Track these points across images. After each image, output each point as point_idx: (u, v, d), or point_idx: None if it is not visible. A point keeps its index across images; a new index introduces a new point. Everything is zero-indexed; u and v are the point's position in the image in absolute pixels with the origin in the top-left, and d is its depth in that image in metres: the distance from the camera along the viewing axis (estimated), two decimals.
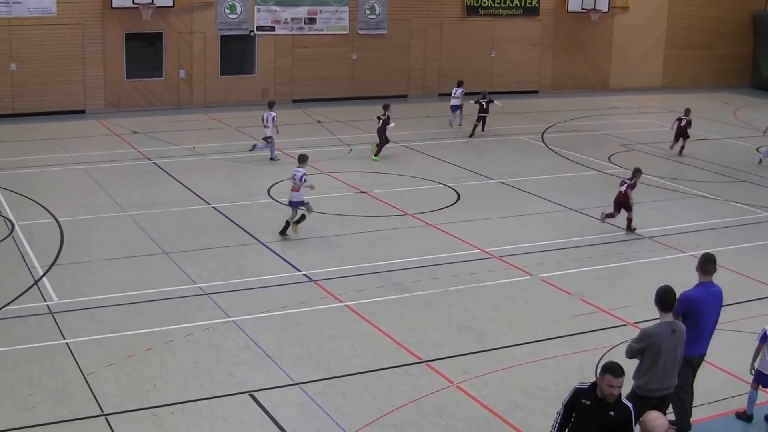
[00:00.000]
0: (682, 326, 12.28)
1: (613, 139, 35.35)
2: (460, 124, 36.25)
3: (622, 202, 22.95)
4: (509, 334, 16.95)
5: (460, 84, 36.88)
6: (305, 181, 21.84)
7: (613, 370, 10.18)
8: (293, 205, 22.04)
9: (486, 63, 45.39)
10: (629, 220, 23.16)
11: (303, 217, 22.17)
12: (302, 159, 22.51)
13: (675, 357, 12.17)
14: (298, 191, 21.81)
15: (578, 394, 10.48)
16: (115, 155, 30.03)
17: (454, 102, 36.43)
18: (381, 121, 30.87)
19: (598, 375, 10.45)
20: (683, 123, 32.60)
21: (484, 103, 34.74)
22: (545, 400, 14.22)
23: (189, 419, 13.49)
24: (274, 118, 29.80)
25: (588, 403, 10.36)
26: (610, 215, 23.17)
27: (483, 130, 35.06)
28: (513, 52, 45.90)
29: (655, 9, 49.08)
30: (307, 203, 22.14)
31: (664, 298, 12.16)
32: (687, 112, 32.81)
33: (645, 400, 12.02)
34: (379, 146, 30.81)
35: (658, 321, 12.23)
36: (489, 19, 45.03)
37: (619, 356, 12.81)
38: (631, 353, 12.32)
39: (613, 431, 10.33)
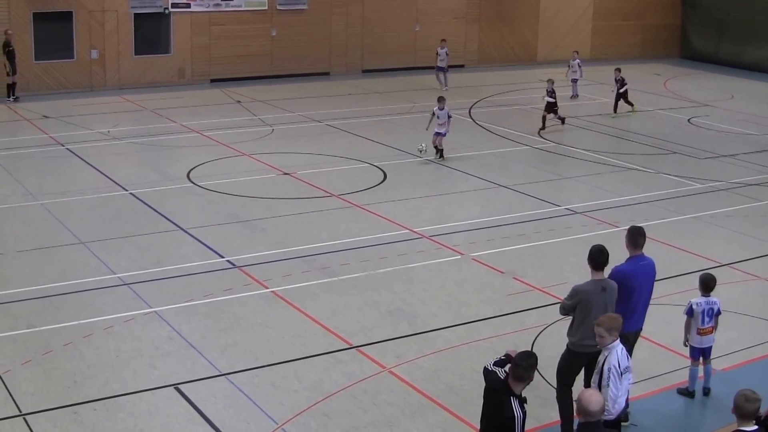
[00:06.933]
0: (613, 284, 12.50)
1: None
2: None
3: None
4: (441, 316, 16.91)
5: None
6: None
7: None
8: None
9: (410, 37, 45.07)
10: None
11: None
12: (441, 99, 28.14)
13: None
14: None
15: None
16: (26, 141, 29.28)
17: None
18: (619, 84, 35.78)
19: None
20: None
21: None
22: (480, 383, 13.89)
23: (112, 416, 13.22)
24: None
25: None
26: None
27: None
28: (438, 25, 45.41)
29: None
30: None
31: (597, 257, 12.42)
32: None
33: (578, 356, 12.52)
34: (628, 102, 35.64)
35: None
36: None
37: (553, 335, 13.15)
38: (563, 310, 12.76)
39: None
